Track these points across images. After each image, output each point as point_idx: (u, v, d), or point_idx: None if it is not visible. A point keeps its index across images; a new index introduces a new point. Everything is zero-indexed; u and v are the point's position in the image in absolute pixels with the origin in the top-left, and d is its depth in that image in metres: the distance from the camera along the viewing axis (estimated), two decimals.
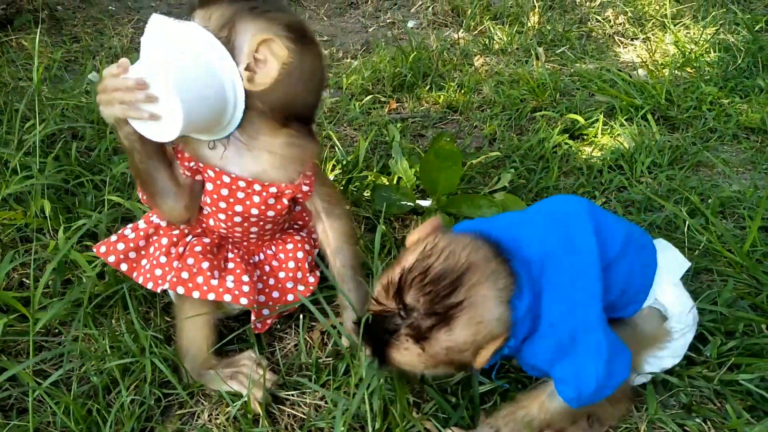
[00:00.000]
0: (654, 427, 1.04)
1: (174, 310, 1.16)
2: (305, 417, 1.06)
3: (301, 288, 1.21)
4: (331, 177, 1.66)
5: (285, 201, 1.10)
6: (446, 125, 2.09)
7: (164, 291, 1.11)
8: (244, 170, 1.06)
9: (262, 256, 1.21)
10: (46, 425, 1.04)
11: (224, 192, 1.07)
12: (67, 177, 1.58)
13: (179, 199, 1.08)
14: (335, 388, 1.09)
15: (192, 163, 1.07)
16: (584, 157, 1.85)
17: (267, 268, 1.21)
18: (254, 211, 1.10)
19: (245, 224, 1.13)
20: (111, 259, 1.13)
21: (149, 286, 1.11)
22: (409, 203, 1.55)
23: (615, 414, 1.04)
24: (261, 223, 1.14)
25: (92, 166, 1.65)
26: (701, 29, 2.65)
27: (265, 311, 1.18)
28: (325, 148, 1.79)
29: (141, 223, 1.16)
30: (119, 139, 1.00)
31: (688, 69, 2.37)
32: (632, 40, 2.73)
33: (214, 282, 1.08)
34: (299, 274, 1.21)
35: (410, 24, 2.96)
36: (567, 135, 1.94)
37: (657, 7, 2.95)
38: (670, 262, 1.05)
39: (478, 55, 2.57)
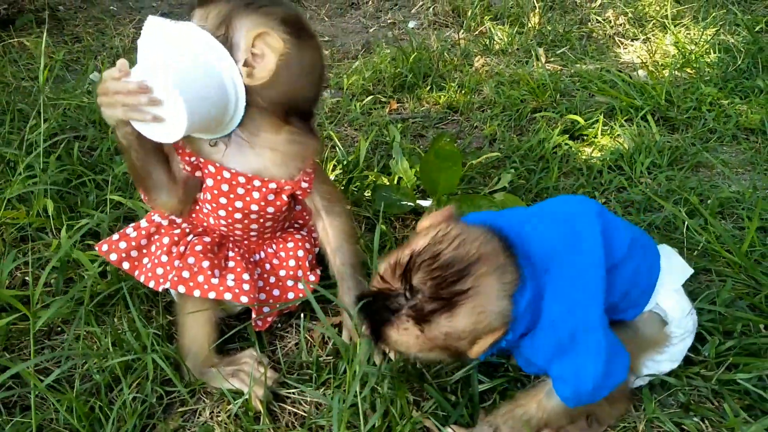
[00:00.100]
0: (652, 426, 1.05)
1: (176, 308, 1.17)
2: (306, 415, 1.07)
3: (301, 286, 1.21)
4: (332, 177, 1.67)
5: (284, 197, 1.11)
6: (447, 125, 2.10)
7: (166, 290, 1.12)
8: (245, 167, 1.07)
9: (262, 254, 1.22)
10: (49, 422, 1.04)
11: (225, 187, 1.08)
12: (69, 177, 1.59)
13: (173, 194, 1.10)
14: (336, 386, 1.09)
15: (193, 158, 1.08)
16: (584, 157, 1.85)
17: (267, 266, 1.21)
18: (254, 207, 1.10)
19: (245, 221, 1.14)
20: (113, 257, 1.14)
21: (151, 284, 1.12)
22: (409, 203, 1.56)
23: (613, 413, 1.04)
24: (261, 219, 1.14)
25: (94, 166, 1.66)
26: (701, 30, 2.65)
27: (266, 309, 1.19)
28: (326, 148, 1.80)
29: (143, 222, 1.17)
30: (117, 137, 1.01)
31: (688, 70, 2.37)
32: (632, 40, 2.73)
33: (215, 281, 1.09)
34: (300, 273, 1.22)
35: (411, 24, 2.97)
36: (567, 135, 1.95)
37: (657, 8, 2.96)
38: (673, 268, 1.05)
39: (479, 56, 2.57)
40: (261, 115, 1.02)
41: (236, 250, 1.17)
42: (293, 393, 1.11)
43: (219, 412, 1.08)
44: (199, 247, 1.12)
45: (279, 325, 1.27)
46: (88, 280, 1.25)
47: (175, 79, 0.90)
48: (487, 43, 2.67)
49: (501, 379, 1.11)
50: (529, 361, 0.96)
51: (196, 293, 1.08)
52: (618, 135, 1.95)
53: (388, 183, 1.65)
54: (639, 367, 1.05)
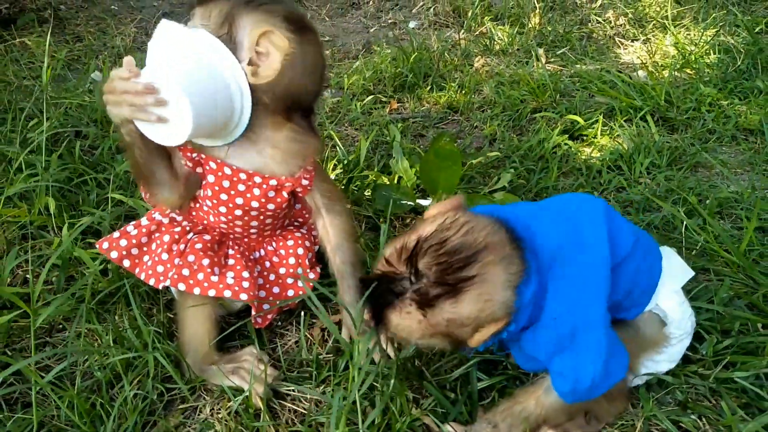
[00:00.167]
0: (650, 424, 1.05)
1: (176, 306, 1.18)
2: (306, 412, 1.08)
3: (301, 284, 1.22)
4: (333, 176, 1.68)
5: (285, 194, 1.11)
6: (447, 125, 2.11)
7: (166, 287, 1.12)
8: (246, 163, 1.08)
9: (262, 252, 1.22)
10: (50, 419, 1.05)
11: (225, 184, 1.09)
12: (71, 175, 1.60)
13: (175, 190, 1.10)
14: (335, 384, 1.10)
15: (194, 155, 1.08)
16: (583, 157, 1.86)
17: (267, 264, 1.22)
18: (254, 204, 1.11)
19: (245, 218, 1.14)
20: (114, 255, 1.14)
21: (151, 282, 1.12)
22: (409, 203, 1.56)
23: (612, 411, 1.05)
24: (261, 216, 1.15)
25: (96, 165, 1.67)
26: (701, 31, 2.66)
27: (266, 306, 1.19)
28: (326, 147, 1.80)
29: (144, 220, 1.18)
30: (121, 135, 1.02)
31: (688, 70, 2.38)
32: (632, 41, 2.74)
33: (215, 278, 1.10)
34: (300, 270, 1.22)
35: (411, 24, 2.98)
36: (567, 136, 1.95)
37: (658, 9, 2.96)
38: (674, 270, 1.06)
39: (479, 56, 2.58)
40: (263, 113, 1.03)
41: (236, 247, 1.18)
42: (293, 390, 1.12)
43: (219, 409, 1.08)
44: (199, 245, 1.12)
45: (279, 322, 1.27)
46: (89, 277, 1.26)
47: (181, 80, 0.90)
48: (488, 43, 2.67)
49: (500, 376, 1.12)
50: (529, 356, 0.97)
51: (196, 291, 1.08)
52: (617, 135, 1.95)
53: (388, 182, 1.65)
54: (638, 366, 1.06)
